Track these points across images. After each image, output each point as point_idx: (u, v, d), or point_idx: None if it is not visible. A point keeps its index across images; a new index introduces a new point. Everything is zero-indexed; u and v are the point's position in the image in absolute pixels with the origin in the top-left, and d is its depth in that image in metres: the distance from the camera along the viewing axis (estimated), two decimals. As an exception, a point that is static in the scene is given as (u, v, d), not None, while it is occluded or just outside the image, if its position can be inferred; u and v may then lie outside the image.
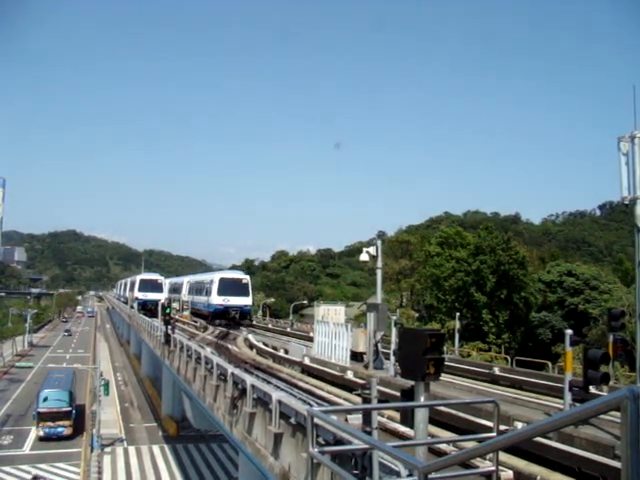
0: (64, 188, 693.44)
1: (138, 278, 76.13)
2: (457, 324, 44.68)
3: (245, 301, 56.92)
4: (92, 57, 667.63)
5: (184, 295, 70.27)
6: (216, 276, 59.30)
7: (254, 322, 67.83)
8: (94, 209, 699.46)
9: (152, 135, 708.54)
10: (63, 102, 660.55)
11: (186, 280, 74.40)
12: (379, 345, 24.08)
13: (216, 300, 56.23)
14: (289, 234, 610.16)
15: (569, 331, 14.64)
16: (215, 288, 56.70)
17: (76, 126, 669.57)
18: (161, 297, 63.34)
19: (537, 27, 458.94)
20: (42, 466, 36.42)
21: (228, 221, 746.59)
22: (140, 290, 71.69)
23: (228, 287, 56.72)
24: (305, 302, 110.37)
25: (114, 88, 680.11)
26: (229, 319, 55.51)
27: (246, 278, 58.99)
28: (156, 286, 71.80)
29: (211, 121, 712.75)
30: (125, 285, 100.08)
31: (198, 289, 65.59)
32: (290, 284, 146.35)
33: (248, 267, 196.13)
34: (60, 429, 42.32)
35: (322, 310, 36.16)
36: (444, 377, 19.93)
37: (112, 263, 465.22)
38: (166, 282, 78.31)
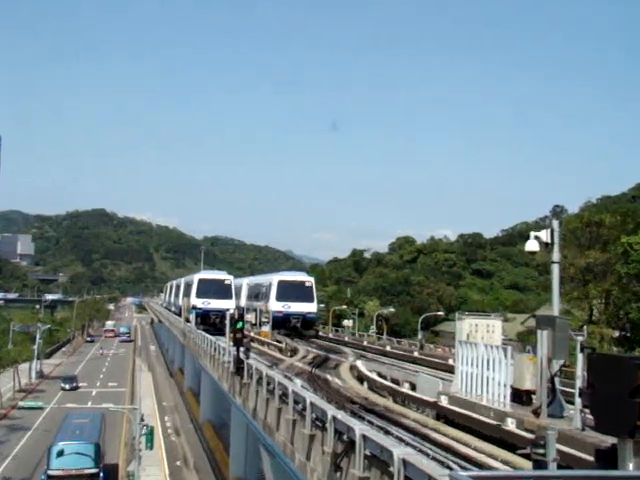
0: (88, 155, 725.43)
1: (196, 278, 77.80)
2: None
3: (308, 307, 68.17)
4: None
5: (242, 300, 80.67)
6: (275, 278, 70.59)
7: (365, 342, 73.48)
8: (132, 183, 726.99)
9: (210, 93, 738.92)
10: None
11: (245, 282, 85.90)
12: (557, 380, 23.90)
13: (275, 306, 67.14)
14: (416, 213, 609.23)
15: None
16: (274, 292, 67.84)
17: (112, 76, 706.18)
18: (230, 305, 65.77)
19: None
20: None
21: (323, 196, 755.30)
22: (199, 295, 73.57)
23: (288, 291, 67.87)
24: (441, 313, 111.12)
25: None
26: (290, 328, 66.14)
27: (310, 280, 71.13)
28: (222, 289, 73.84)
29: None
30: (177, 288, 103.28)
31: (256, 293, 77.28)
32: (418, 286, 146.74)
33: (356, 262, 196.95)
34: None
35: (467, 325, 34.76)
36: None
37: (158, 256, 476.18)
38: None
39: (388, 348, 66.45)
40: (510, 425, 23.42)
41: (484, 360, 28.24)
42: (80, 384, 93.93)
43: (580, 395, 21.74)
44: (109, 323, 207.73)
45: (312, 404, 22.58)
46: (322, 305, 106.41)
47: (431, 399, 29.59)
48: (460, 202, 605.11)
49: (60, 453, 44.44)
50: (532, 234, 26.18)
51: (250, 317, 68.17)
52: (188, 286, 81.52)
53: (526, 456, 13.17)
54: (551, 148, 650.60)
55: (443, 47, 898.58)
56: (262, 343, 61.33)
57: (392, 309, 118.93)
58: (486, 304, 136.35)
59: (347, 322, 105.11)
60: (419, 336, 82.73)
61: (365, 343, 73.58)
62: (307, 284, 69.17)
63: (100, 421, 52.49)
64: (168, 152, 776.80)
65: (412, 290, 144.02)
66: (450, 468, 17.30)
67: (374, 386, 36.62)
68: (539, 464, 10.05)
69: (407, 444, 20.64)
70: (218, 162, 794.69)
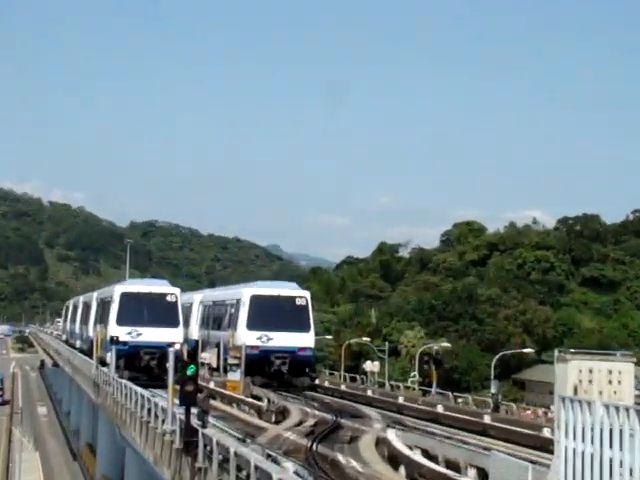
0: None
1: (117, 291, 76.33)
2: None
3: (301, 340, 68.50)
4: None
5: (194, 329, 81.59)
6: (246, 292, 70.93)
7: (402, 399, 72.01)
8: (6, 136, 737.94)
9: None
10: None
11: (199, 299, 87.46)
12: None
13: (247, 338, 66.63)
14: (485, 183, 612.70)
15: None
16: (245, 315, 67.87)
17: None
18: (175, 337, 67.43)
19: None
20: None
21: (334, 160, 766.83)
22: (123, 321, 72.15)
23: (269, 313, 68.23)
24: (529, 350, 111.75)
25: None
26: (271, 375, 66.83)
27: (303, 295, 71.47)
28: (162, 310, 73.28)
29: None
30: (86, 309, 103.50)
31: (217, 317, 78.30)
32: (490, 305, 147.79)
33: (385, 264, 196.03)
34: None
35: (574, 371, 31.97)
36: None
37: (53, 255, 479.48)
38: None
39: (440, 409, 62.83)
40: None
41: (604, 430, 24.51)
42: None
43: None
44: None
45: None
46: (328, 337, 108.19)
47: (513, 499, 26.70)
48: (559, 166, 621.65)
49: None
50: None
51: (208, 357, 70.61)
52: (104, 305, 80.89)
53: None
54: None
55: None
56: (229, 400, 60.64)
57: (446, 343, 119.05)
58: (607, 335, 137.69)
59: (371, 365, 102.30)
60: (492, 389, 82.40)
61: (401, 400, 70.86)
62: (299, 301, 68.83)
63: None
64: (68, 88, 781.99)
65: (480, 312, 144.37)
66: None
67: (417, 473, 34.64)
68: None
69: None
70: (157, 109, 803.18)
